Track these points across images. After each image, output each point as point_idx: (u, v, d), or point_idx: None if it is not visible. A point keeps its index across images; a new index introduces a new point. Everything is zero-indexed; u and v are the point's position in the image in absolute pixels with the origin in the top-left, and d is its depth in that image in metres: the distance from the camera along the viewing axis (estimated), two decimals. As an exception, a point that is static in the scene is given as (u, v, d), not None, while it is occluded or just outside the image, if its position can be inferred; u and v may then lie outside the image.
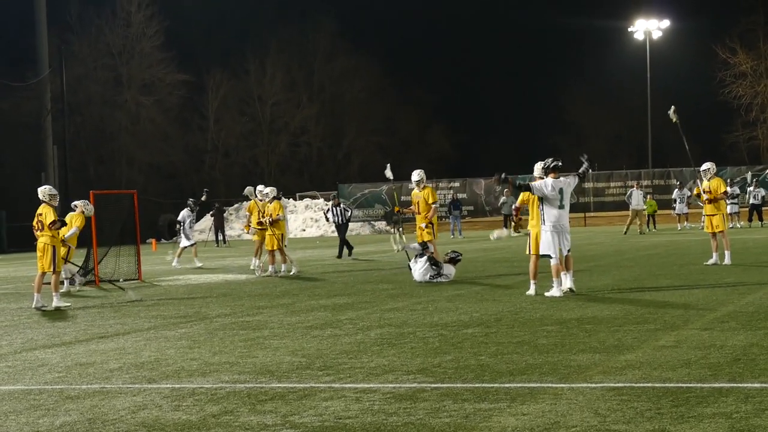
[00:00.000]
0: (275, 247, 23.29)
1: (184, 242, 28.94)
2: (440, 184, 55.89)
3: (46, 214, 17.45)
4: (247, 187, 26.39)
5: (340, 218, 30.46)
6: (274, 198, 23.69)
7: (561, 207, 15.34)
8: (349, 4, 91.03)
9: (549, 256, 15.41)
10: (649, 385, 8.10)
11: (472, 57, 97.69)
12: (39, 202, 17.60)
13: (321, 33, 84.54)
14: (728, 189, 24.67)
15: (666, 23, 67.89)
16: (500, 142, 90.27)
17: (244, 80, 79.73)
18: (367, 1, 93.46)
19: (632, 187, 42.67)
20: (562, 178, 15.58)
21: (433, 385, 8.47)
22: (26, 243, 23.43)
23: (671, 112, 20.58)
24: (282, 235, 23.42)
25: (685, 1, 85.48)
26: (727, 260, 20.44)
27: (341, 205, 31.67)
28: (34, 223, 17.72)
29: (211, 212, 48.43)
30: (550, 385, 8.30)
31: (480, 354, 10.00)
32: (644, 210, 40.67)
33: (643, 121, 70.26)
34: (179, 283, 22.13)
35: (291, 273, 23.25)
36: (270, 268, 23.35)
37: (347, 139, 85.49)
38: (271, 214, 23.34)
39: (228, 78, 78.15)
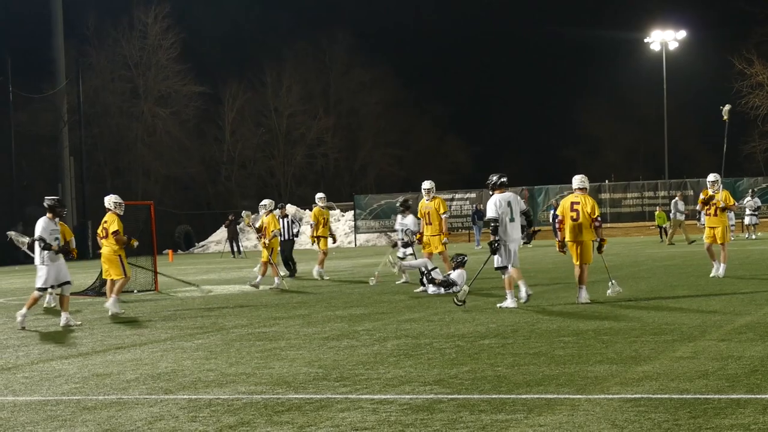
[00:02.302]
0: (267, 260, 23.05)
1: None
2: (456, 195, 56.01)
3: (111, 221, 17.81)
4: (319, 193, 27.03)
5: (285, 233, 25.95)
6: (270, 211, 23.61)
7: (512, 220, 15.81)
8: (366, 16, 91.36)
9: (505, 268, 15.79)
10: (667, 396, 8.08)
11: (488, 69, 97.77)
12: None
13: (338, 45, 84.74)
14: (747, 199, 24.38)
15: (682, 34, 67.78)
16: (516, 154, 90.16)
17: (260, 92, 79.84)
18: (383, 14, 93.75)
19: (674, 197, 41.73)
20: (507, 193, 16.09)
21: (449, 396, 8.46)
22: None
23: (725, 110, 20.26)
24: (273, 249, 23.27)
25: (702, 12, 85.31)
26: (720, 272, 20.13)
27: (288, 217, 26.86)
28: (99, 230, 18.07)
29: (225, 223, 48.63)
30: (567, 396, 8.28)
31: (497, 365, 9.99)
32: (682, 220, 39.63)
33: (660, 133, 70.06)
34: (196, 294, 22.16)
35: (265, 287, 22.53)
36: (276, 280, 22.75)
37: (363, 151, 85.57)
38: (266, 227, 23.17)
39: (244, 90, 78.28)
